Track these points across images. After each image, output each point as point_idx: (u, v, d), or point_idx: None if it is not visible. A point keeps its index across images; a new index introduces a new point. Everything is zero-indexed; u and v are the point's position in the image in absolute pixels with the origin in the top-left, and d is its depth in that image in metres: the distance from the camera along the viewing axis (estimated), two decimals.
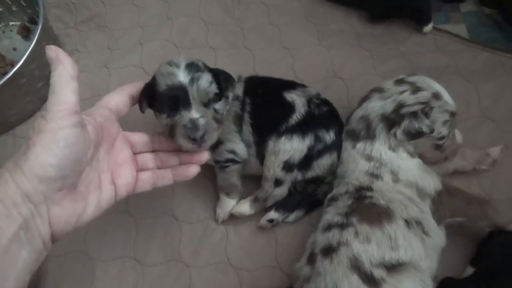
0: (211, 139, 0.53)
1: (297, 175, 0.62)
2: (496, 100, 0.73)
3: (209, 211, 0.69)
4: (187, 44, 0.87)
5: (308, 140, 0.61)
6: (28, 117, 0.82)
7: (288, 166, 0.61)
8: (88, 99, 0.80)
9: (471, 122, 0.72)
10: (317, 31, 0.86)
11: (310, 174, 0.63)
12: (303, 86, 0.67)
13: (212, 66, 0.81)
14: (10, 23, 0.95)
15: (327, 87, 0.78)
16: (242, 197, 0.67)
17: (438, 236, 0.54)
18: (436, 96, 0.57)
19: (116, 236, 0.67)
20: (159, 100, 0.53)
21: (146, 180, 0.51)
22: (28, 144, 0.39)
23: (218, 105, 0.55)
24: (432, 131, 0.55)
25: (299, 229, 0.65)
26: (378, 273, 0.47)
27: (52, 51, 0.42)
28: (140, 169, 0.52)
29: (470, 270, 0.57)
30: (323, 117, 0.62)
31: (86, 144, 0.43)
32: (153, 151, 0.54)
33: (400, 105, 0.56)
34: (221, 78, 0.56)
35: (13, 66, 0.77)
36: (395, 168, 0.56)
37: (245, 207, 0.65)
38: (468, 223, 0.58)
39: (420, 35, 0.83)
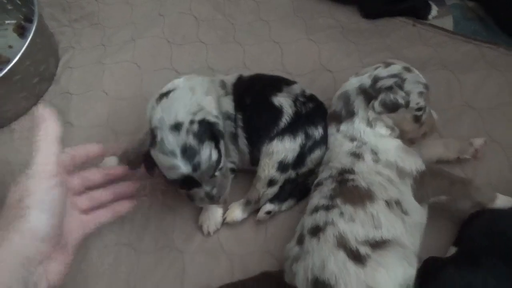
0: (226, 194, 0.61)
1: (291, 173, 0.65)
2: (477, 90, 0.76)
3: None
4: (178, 40, 0.89)
5: (299, 139, 0.63)
6: (23, 113, 0.83)
7: (282, 167, 0.63)
8: (81, 94, 0.82)
9: (454, 111, 0.74)
10: (305, 26, 0.89)
11: (303, 170, 0.65)
12: (287, 84, 0.68)
13: (203, 61, 0.86)
14: (6, 21, 0.97)
15: (315, 79, 0.81)
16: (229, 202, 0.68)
17: (417, 214, 0.56)
18: (408, 69, 0.61)
19: (110, 224, 0.68)
20: (169, 181, 0.57)
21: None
22: (22, 207, 0.40)
23: (222, 163, 0.58)
24: (407, 103, 0.58)
25: (288, 216, 0.67)
26: (363, 249, 0.49)
27: (41, 109, 0.45)
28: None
29: (453, 250, 0.59)
30: (310, 114, 0.64)
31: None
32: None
33: (376, 79, 0.60)
34: (214, 135, 0.57)
35: (8, 63, 0.78)
36: (374, 147, 0.58)
37: (237, 213, 0.66)
38: (451, 203, 0.60)
39: (404, 29, 0.86)
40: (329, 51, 0.84)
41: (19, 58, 0.75)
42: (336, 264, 0.49)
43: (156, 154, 0.56)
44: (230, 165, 0.66)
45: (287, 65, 0.84)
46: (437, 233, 0.61)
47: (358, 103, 0.61)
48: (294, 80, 0.72)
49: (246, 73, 0.71)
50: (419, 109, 0.60)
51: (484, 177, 0.67)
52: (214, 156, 0.56)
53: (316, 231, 0.53)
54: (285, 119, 0.64)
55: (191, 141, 0.55)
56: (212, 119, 0.58)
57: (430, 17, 0.88)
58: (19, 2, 0.94)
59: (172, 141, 0.54)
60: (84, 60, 0.88)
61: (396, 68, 0.60)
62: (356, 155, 0.58)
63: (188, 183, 0.56)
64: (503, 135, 0.70)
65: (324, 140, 0.65)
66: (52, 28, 0.93)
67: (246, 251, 0.65)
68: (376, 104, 0.59)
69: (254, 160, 0.66)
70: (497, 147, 0.69)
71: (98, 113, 0.80)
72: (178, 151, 0.54)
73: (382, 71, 0.60)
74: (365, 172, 0.57)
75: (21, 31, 0.96)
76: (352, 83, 0.62)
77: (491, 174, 0.67)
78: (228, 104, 0.65)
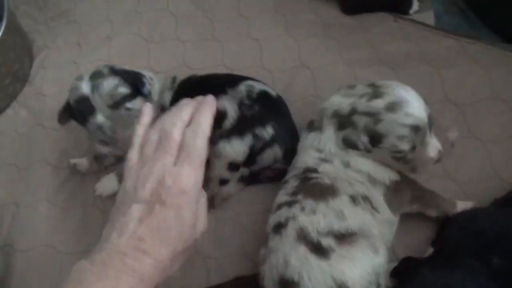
0: (126, 138, 0.56)
1: (243, 171, 0.64)
2: (459, 85, 0.74)
3: None
4: (156, 38, 0.87)
5: (248, 139, 0.61)
6: None
7: (233, 166, 0.62)
8: (55, 94, 0.80)
9: (435, 107, 0.72)
10: (286, 22, 0.87)
11: (255, 167, 0.65)
12: (232, 86, 0.65)
13: (181, 59, 0.84)
14: None
15: (295, 76, 0.79)
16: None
17: (388, 213, 0.55)
18: (391, 107, 0.52)
19: (83, 230, 0.67)
20: (74, 114, 0.59)
21: None
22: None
23: (132, 104, 0.58)
24: (368, 150, 0.54)
25: (264, 217, 0.65)
26: (326, 241, 0.48)
27: (148, 106, 0.52)
28: None
29: (430, 250, 0.59)
30: (257, 115, 0.62)
31: None
32: None
33: (353, 110, 0.55)
34: (129, 79, 0.59)
35: None
36: (344, 161, 0.56)
37: None
38: (421, 211, 0.60)
39: (386, 24, 0.85)
40: (309, 48, 0.82)
41: None
42: (297, 258, 0.48)
43: (71, 85, 0.59)
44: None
45: (266, 62, 0.82)
46: (416, 233, 0.61)
47: (328, 125, 0.57)
48: (259, 78, 0.69)
49: (224, 71, 0.70)
50: (399, 151, 0.54)
51: (465, 173, 0.66)
52: (122, 90, 0.58)
53: (279, 228, 0.52)
54: (228, 122, 0.62)
55: (104, 70, 0.59)
56: (143, 72, 0.62)
57: (411, 11, 0.86)
58: None
59: (89, 72, 0.60)
60: (59, 60, 0.87)
61: (378, 104, 0.53)
62: (323, 160, 0.57)
63: (84, 108, 0.57)
64: (484, 130, 0.69)
65: (275, 139, 0.63)
66: (27, 27, 0.91)
67: (221, 254, 0.64)
68: (339, 136, 0.55)
69: None
70: (478, 143, 0.68)
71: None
72: (87, 76, 0.58)
73: (362, 104, 0.54)
74: (330, 172, 0.55)
75: None
76: (333, 103, 0.57)
77: (472, 170, 0.66)
78: (167, 98, 0.65)
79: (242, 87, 0.65)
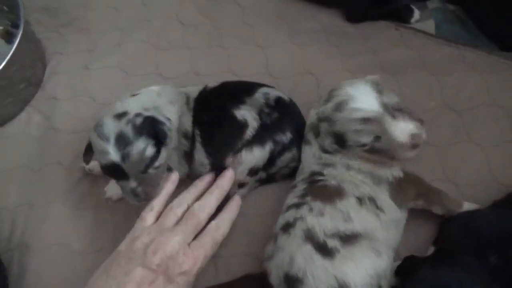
0: (156, 194, 0.59)
1: (261, 174, 0.66)
2: (457, 91, 0.77)
3: None
4: (164, 44, 0.90)
5: (268, 147, 0.64)
6: (10, 118, 0.84)
7: (253, 172, 0.65)
8: (68, 99, 0.83)
9: (434, 112, 0.75)
10: (289, 30, 0.90)
11: (273, 170, 0.67)
12: (249, 94, 0.66)
13: (188, 65, 0.87)
14: None
15: (299, 82, 0.82)
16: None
17: (393, 212, 0.57)
18: (338, 107, 0.57)
19: (95, 230, 0.70)
20: (102, 171, 0.59)
21: None
22: None
23: (158, 161, 0.58)
24: (337, 150, 0.58)
25: (271, 219, 0.67)
26: (332, 243, 0.50)
27: (174, 175, 0.61)
28: None
29: (432, 250, 0.60)
30: (277, 123, 0.65)
31: None
32: None
33: (318, 119, 0.61)
34: (151, 132, 0.58)
35: None
36: (344, 163, 0.59)
37: None
38: (427, 207, 0.62)
39: (386, 32, 0.88)
40: (313, 54, 0.85)
41: (6, 63, 0.76)
42: (303, 257, 0.50)
43: (92, 136, 0.57)
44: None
45: (271, 68, 0.85)
46: (418, 232, 0.63)
47: (311, 136, 0.62)
48: (266, 83, 0.72)
49: (231, 77, 0.72)
50: (363, 145, 0.56)
51: (464, 176, 0.68)
52: (149, 152, 0.56)
53: (287, 227, 0.54)
54: (250, 132, 0.64)
55: (128, 130, 0.56)
56: (161, 118, 0.59)
57: (412, 20, 0.89)
58: (6, 9, 0.95)
59: (110, 126, 0.56)
60: (70, 66, 0.89)
61: (327, 109, 0.59)
62: (326, 165, 0.60)
63: (116, 172, 0.56)
64: (482, 135, 0.71)
65: (293, 142, 0.65)
66: (39, 34, 0.94)
67: (229, 253, 0.66)
68: (316, 146, 0.61)
69: (217, 168, 0.66)
70: (476, 147, 0.70)
71: (84, 118, 0.80)
72: (112, 137, 0.55)
73: (321, 111, 0.60)
74: (335, 174, 0.58)
75: (8, 37, 0.96)
76: (309, 117, 0.64)
77: (471, 173, 0.68)
78: (188, 121, 0.65)
79: (259, 95, 0.67)
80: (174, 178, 0.59)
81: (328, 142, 0.59)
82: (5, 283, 0.64)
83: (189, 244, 0.51)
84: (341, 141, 0.58)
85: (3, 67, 0.75)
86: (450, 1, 0.92)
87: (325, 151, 0.60)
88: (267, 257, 0.56)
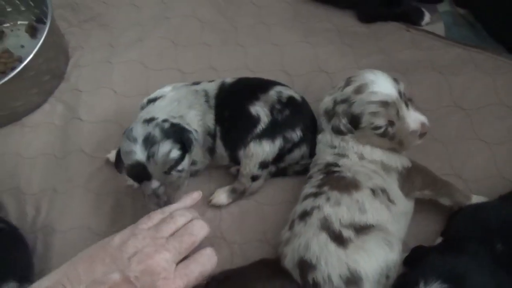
0: (176, 198, 0.60)
1: (271, 168, 0.69)
2: (465, 91, 0.79)
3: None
4: (182, 41, 0.94)
5: (278, 143, 0.66)
6: (35, 108, 0.87)
7: (263, 165, 0.67)
8: (91, 90, 0.86)
9: (443, 111, 0.78)
10: (304, 30, 0.93)
11: (282, 165, 0.70)
12: (264, 91, 0.69)
13: (207, 61, 0.90)
14: (18, 22, 1.02)
15: (313, 80, 0.85)
16: (218, 185, 0.72)
17: (403, 204, 0.59)
18: (358, 90, 0.60)
19: (115, 214, 0.73)
20: (127, 172, 0.60)
21: None
22: None
23: (182, 166, 0.61)
24: (350, 130, 0.61)
25: (285, 208, 0.71)
26: (347, 233, 0.53)
27: (197, 195, 0.59)
28: None
29: (439, 240, 0.62)
30: (287, 120, 0.67)
31: None
32: None
33: (335, 103, 0.63)
34: (178, 139, 0.60)
35: (21, 62, 0.83)
36: (358, 152, 0.61)
37: (223, 197, 0.70)
38: (434, 198, 0.64)
39: (398, 33, 0.90)
40: (326, 53, 0.88)
41: (33, 56, 0.79)
42: (318, 244, 0.52)
43: (122, 141, 0.60)
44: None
45: (286, 66, 0.88)
46: (426, 224, 0.65)
47: (324, 124, 0.65)
48: (280, 80, 0.75)
49: (247, 74, 0.75)
50: (376, 127, 0.60)
51: (471, 172, 0.70)
52: (174, 154, 0.59)
53: (304, 215, 0.57)
54: (260, 127, 0.67)
55: (156, 132, 0.59)
56: (187, 127, 0.62)
57: (423, 23, 0.92)
58: (32, 4, 0.99)
59: (139, 130, 0.59)
60: (92, 59, 0.93)
61: (347, 92, 0.62)
62: (340, 155, 0.62)
63: (140, 172, 0.58)
64: (489, 133, 0.74)
65: (303, 141, 0.68)
66: (62, 29, 0.98)
67: (245, 240, 0.69)
68: (329, 128, 0.63)
69: (234, 160, 0.70)
70: (483, 144, 0.73)
71: (106, 109, 0.84)
72: (140, 139, 0.58)
73: (339, 94, 0.63)
74: (349, 165, 0.60)
75: (33, 32, 1.00)
76: (323, 103, 0.65)
77: (478, 169, 0.71)
78: (211, 120, 0.69)
79: (273, 92, 0.70)
80: (195, 196, 0.59)
81: (342, 123, 0.61)
82: (30, 262, 0.67)
83: (176, 264, 0.49)
84: (355, 122, 0.60)
85: (31, 59, 0.79)
86: (459, 5, 0.94)
87: (338, 131, 0.62)
88: (283, 242, 0.59)
